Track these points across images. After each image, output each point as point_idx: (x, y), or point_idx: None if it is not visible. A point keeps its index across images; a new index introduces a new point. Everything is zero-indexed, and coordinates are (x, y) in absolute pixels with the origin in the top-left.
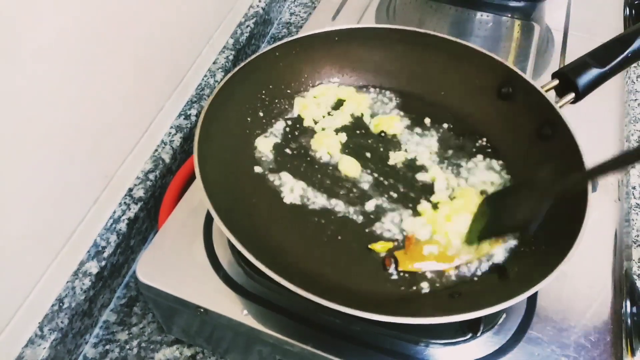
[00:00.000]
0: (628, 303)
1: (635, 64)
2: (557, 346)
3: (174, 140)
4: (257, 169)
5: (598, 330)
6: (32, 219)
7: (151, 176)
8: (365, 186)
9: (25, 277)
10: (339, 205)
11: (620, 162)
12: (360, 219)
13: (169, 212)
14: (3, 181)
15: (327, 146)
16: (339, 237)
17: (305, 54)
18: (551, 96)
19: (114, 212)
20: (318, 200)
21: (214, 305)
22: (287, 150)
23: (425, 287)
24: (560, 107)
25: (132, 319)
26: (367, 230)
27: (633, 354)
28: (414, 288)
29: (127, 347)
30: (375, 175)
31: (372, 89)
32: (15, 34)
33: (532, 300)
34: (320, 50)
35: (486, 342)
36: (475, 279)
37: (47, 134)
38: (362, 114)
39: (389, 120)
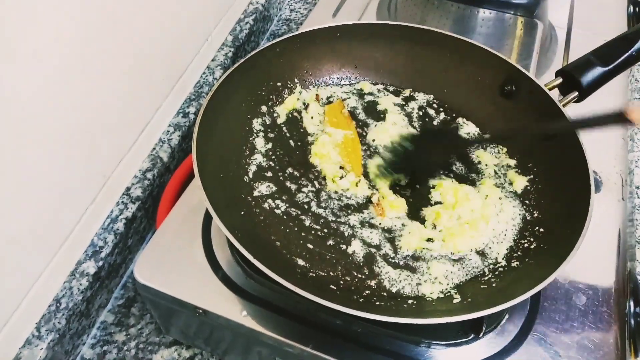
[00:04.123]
0: (632, 303)
1: (639, 63)
2: (560, 347)
3: (172, 139)
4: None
5: (601, 331)
6: (29, 218)
7: (149, 175)
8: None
9: (23, 278)
10: (339, 207)
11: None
12: (360, 221)
13: (167, 212)
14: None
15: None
16: (339, 237)
17: (306, 50)
18: (554, 94)
19: (112, 211)
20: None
21: (213, 306)
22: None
23: (426, 287)
24: (564, 105)
25: (129, 320)
26: (366, 231)
27: (636, 354)
28: (415, 288)
29: (125, 348)
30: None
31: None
32: (12, 33)
33: (535, 301)
34: (321, 47)
35: (489, 343)
36: (478, 278)
37: (43, 133)
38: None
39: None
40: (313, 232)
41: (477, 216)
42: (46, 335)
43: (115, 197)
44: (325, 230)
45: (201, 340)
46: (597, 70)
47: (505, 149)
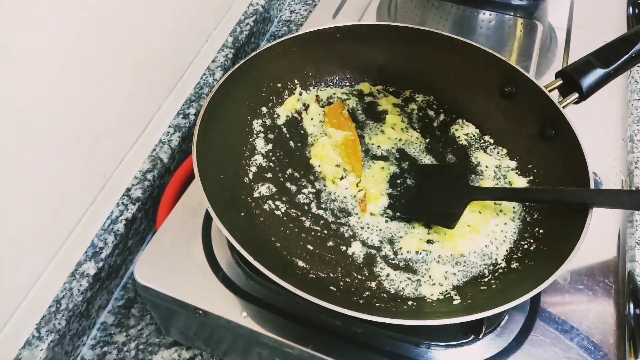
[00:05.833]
0: (631, 305)
1: (639, 64)
2: (560, 348)
3: (172, 140)
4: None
5: (601, 332)
6: (29, 219)
7: (149, 176)
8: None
9: (23, 278)
10: (339, 208)
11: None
12: (359, 222)
13: (167, 213)
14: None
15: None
16: (339, 238)
17: (306, 51)
18: (554, 96)
19: (112, 212)
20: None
21: (213, 307)
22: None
23: (426, 288)
24: (564, 107)
25: (130, 321)
26: (366, 232)
27: (636, 355)
28: (415, 289)
29: (125, 349)
30: None
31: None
32: (12, 34)
33: (535, 302)
34: (321, 48)
35: (489, 344)
36: (477, 280)
37: (44, 134)
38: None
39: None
40: (313, 233)
41: (477, 217)
42: (46, 336)
43: (116, 198)
44: (326, 232)
45: (201, 341)
46: (597, 72)
47: (505, 150)
